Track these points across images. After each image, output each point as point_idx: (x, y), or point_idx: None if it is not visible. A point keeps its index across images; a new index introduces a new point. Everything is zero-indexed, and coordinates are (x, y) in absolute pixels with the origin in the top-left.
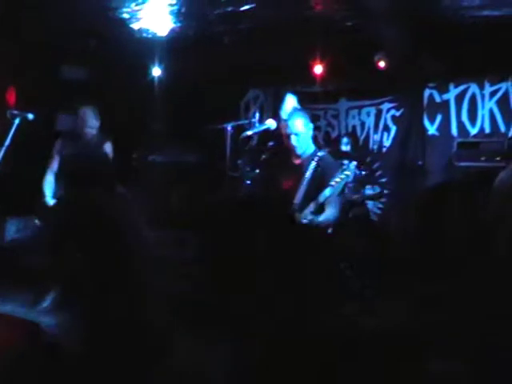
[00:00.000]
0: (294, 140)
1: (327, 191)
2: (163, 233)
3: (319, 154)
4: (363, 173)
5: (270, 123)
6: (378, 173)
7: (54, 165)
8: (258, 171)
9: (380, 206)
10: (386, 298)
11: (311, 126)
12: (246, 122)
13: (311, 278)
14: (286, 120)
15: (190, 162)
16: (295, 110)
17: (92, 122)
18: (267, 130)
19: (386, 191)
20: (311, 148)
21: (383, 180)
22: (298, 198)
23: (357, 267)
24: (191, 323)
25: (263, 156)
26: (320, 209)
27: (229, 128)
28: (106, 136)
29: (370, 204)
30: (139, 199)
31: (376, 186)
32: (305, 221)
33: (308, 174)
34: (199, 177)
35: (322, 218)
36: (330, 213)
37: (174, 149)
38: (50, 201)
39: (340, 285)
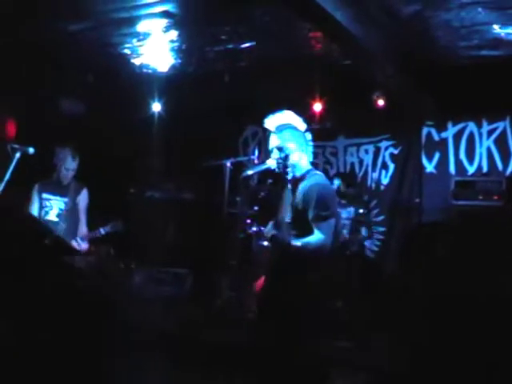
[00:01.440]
0: (276, 155)
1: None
2: (159, 270)
3: (313, 172)
4: (360, 211)
5: (271, 163)
6: (376, 210)
7: (33, 209)
8: (256, 208)
9: (377, 243)
10: (380, 334)
11: (307, 146)
12: (245, 158)
13: (306, 317)
14: (274, 133)
15: (188, 199)
16: (288, 125)
17: (69, 164)
18: (267, 169)
19: (382, 229)
20: (304, 168)
21: (381, 218)
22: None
23: (352, 305)
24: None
25: (262, 193)
26: (303, 230)
27: (228, 164)
28: (83, 182)
29: (367, 242)
30: (135, 235)
31: (371, 226)
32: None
33: (297, 195)
34: (197, 213)
35: (306, 240)
36: (317, 237)
37: (171, 185)
38: None
39: (334, 322)
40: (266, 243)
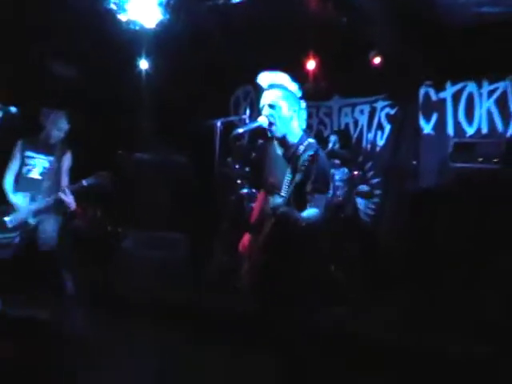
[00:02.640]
0: (266, 112)
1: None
2: (149, 234)
3: (309, 140)
4: (355, 173)
5: (262, 120)
6: (371, 173)
7: (15, 165)
8: (247, 169)
9: (372, 206)
10: (375, 301)
11: (299, 110)
12: (237, 118)
13: (299, 280)
14: (266, 89)
15: (178, 160)
16: (282, 85)
17: (62, 125)
18: (259, 128)
19: (378, 191)
20: (297, 134)
21: (376, 180)
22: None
23: (346, 269)
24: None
25: (253, 154)
26: (299, 204)
27: (218, 124)
28: (68, 146)
29: (361, 204)
30: (124, 198)
31: (367, 185)
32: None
33: (295, 167)
34: (188, 176)
35: (305, 215)
36: (313, 211)
37: (161, 146)
38: (14, 199)
39: (329, 287)
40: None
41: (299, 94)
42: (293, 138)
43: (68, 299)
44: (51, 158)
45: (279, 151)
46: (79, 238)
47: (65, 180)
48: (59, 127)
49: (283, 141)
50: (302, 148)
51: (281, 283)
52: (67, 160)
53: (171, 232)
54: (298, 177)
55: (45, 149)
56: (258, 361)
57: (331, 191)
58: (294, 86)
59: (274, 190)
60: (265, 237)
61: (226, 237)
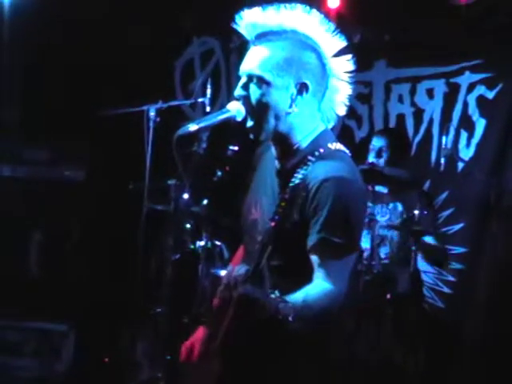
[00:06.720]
0: (239, 91)
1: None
2: (9, 325)
3: (329, 146)
4: (415, 212)
5: (235, 108)
6: (447, 212)
7: None
8: (205, 202)
9: (449, 278)
10: None
11: (317, 82)
12: (186, 101)
13: None
14: (253, 44)
15: (74, 179)
16: (289, 31)
17: None
18: (229, 122)
19: (460, 249)
20: (306, 132)
21: (457, 228)
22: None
23: None
24: None
25: (218, 173)
26: (295, 276)
27: (151, 114)
28: None
29: (428, 274)
30: None
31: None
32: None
33: (280, 197)
34: (90, 209)
35: (302, 295)
36: (321, 287)
37: (37, 154)
38: None
39: None
40: (223, 272)
41: (330, 43)
42: (298, 138)
43: None
44: None
45: (277, 164)
46: None
47: None
48: None
49: (280, 144)
50: (311, 160)
51: None
52: None
53: (54, 320)
54: (283, 214)
55: None
56: None
57: (367, 246)
58: (316, 25)
59: (254, 234)
60: (223, 336)
61: (160, 332)
